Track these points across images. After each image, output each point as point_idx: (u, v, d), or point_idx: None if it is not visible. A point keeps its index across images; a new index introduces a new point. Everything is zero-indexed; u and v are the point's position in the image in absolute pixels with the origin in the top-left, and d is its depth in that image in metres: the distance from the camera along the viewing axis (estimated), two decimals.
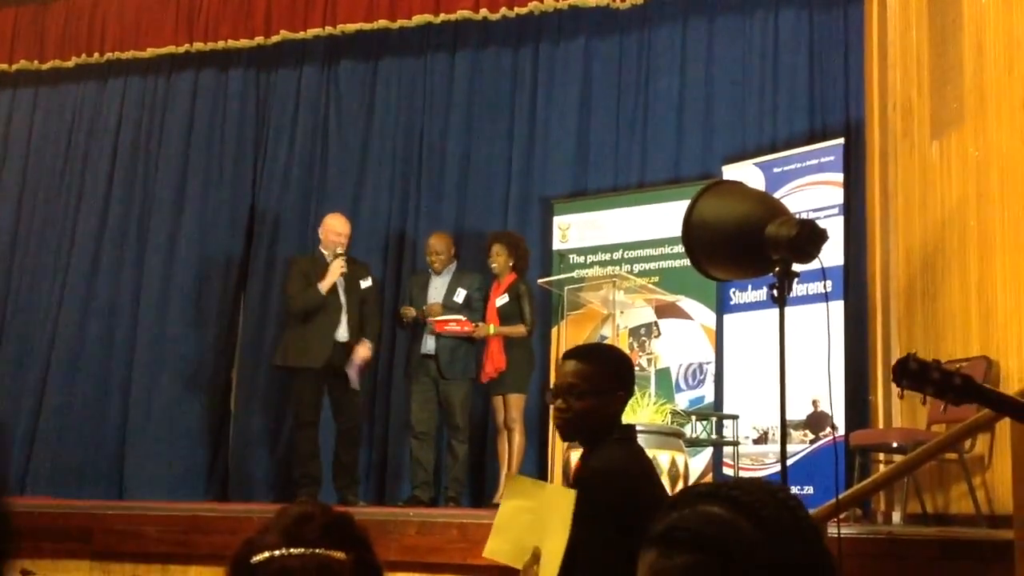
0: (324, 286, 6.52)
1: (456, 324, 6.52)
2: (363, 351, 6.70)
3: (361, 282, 6.74)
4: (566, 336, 6.61)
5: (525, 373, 6.60)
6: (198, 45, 8.14)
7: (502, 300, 6.61)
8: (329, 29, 7.83)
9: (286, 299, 6.78)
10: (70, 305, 8.22)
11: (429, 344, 6.64)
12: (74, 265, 8.31)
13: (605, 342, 6.24)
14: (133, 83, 8.60)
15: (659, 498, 2.74)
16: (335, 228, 6.76)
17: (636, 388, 5.53)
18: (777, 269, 3.27)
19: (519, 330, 6.54)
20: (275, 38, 7.95)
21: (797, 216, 3.49)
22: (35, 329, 8.27)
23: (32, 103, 8.82)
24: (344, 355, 6.59)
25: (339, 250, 6.66)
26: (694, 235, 3.42)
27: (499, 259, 6.65)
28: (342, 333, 6.59)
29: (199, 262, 8.11)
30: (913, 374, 1.93)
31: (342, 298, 6.61)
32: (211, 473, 7.86)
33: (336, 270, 6.55)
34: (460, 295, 6.70)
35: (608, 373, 2.82)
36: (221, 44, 8.08)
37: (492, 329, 6.50)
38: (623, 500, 2.62)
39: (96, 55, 8.41)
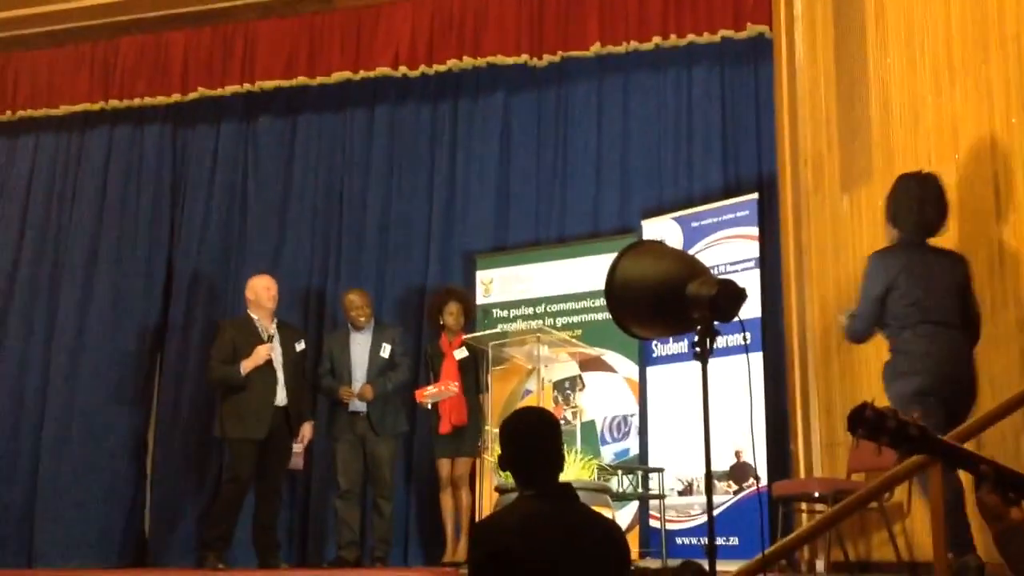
0: (246, 367, 6.43)
1: (435, 388, 6.58)
2: (308, 432, 6.74)
3: (296, 345, 6.71)
4: (492, 391, 6.60)
5: (476, 434, 6.61)
6: (113, 102, 8.02)
7: (461, 354, 6.73)
8: (247, 86, 7.80)
9: (207, 365, 6.70)
10: None
11: (357, 402, 6.61)
12: None
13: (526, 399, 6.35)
14: (45, 140, 8.43)
15: (530, 553, 2.71)
16: (264, 284, 6.72)
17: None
18: (699, 327, 3.32)
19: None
20: (192, 95, 7.89)
21: (716, 274, 3.55)
22: None
23: None
24: (281, 418, 6.50)
25: (271, 330, 6.59)
26: (617, 296, 3.46)
27: (454, 317, 6.81)
28: (280, 399, 6.52)
29: (114, 322, 7.92)
30: (869, 423, 1.90)
31: (277, 366, 6.52)
32: (126, 538, 7.62)
33: (262, 356, 6.45)
34: (385, 350, 6.73)
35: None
36: (137, 101, 7.98)
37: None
38: (483, 554, 2.76)
39: (8, 112, 8.25)
